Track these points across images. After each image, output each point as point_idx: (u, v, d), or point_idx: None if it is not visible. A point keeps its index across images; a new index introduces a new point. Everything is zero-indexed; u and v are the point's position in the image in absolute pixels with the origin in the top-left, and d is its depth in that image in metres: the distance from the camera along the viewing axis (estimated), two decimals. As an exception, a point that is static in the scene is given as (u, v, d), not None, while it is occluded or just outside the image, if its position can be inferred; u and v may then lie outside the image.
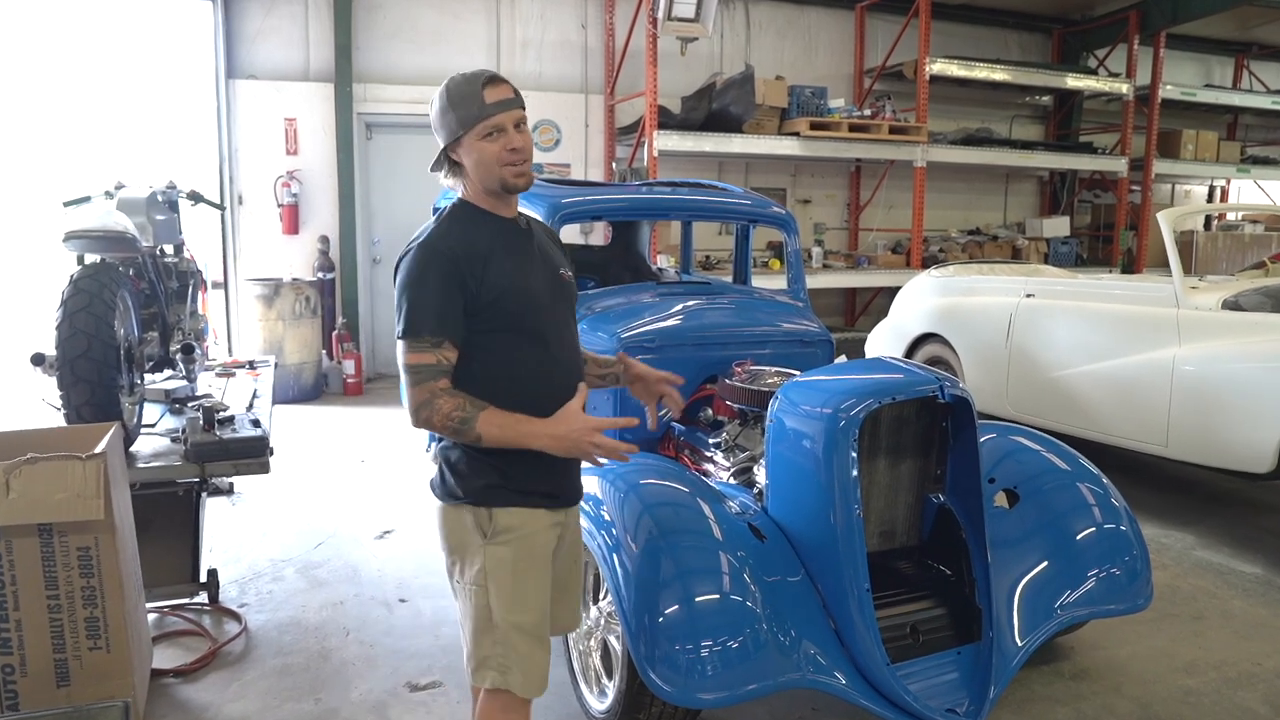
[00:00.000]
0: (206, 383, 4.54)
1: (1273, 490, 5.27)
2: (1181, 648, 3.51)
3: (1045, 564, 3.09)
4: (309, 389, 7.66)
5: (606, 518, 2.74)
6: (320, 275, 8.13)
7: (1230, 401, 4.33)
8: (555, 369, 2.11)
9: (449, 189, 2.14)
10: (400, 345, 1.98)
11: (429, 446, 5.62)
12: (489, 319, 2.00)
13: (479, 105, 1.98)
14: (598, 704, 2.86)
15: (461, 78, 2.03)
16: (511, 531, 2.04)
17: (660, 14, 7.54)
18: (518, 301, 2.03)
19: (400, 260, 2.03)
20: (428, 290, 1.97)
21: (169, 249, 4.51)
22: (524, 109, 2.04)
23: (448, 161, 2.08)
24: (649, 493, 2.81)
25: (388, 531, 4.62)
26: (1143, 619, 3.66)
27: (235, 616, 3.61)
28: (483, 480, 2.03)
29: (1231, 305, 4.62)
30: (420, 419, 1.96)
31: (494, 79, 2.02)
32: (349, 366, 7.92)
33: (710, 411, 3.72)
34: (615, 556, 2.62)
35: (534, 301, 2.07)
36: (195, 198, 4.62)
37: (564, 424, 1.97)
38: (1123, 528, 3.19)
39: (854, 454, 2.70)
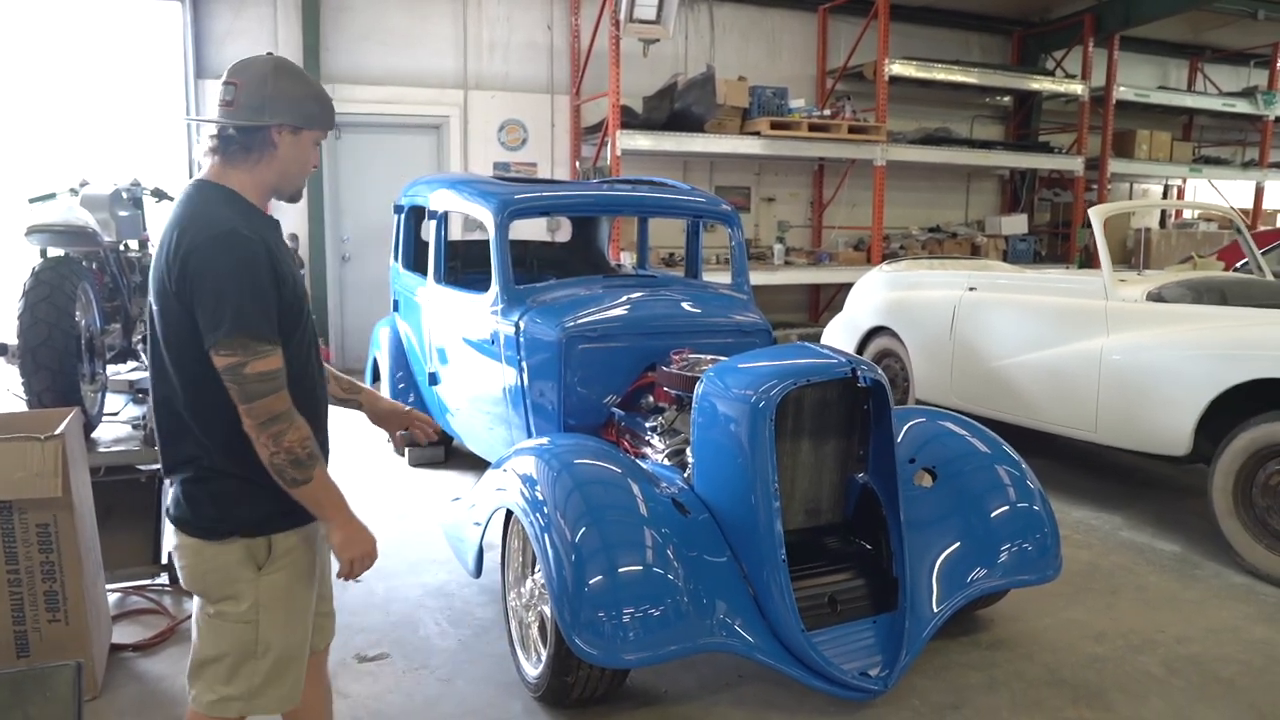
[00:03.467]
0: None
1: (1201, 474, 5.50)
2: (1094, 619, 3.72)
3: (961, 539, 3.29)
4: (278, 384, 7.77)
5: (540, 497, 2.92)
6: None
7: (1151, 388, 4.55)
8: (319, 375, 2.06)
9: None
10: (231, 349, 1.74)
11: (390, 436, 5.77)
12: (284, 326, 1.86)
13: (332, 117, 2.00)
14: (533, 670, 3.03)
15: (317, 82, 2.02)
16: (290, 554, 1.95)
17: (622, 16, 7.72)
18: (301, 303, 1.93)
19: (197, 247, 1.77)
20: (256, 284, 1.77)
21: (133, 244, 4.64)
22: None
23: (253, 137, 1.89)
24: (580, 472, 2.99)
25: (347, 518, 4.76)
26: (1061, 593, 3.88)
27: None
28: (263, 509, 1.89)
29: (1155, 297, 4.85)
30: (269, 432, 1.77)
31: None
32: (318, 362, 8.03)
33: (650, 398, 3.90)
34: (546, 536, 2.78)
35: (307, 305, 1.98)
36: (159, 195, 4.76)
37: (363, 528, 1.95)
38: (1035, 507, 3.39)
39: (771, 432, 2.88)
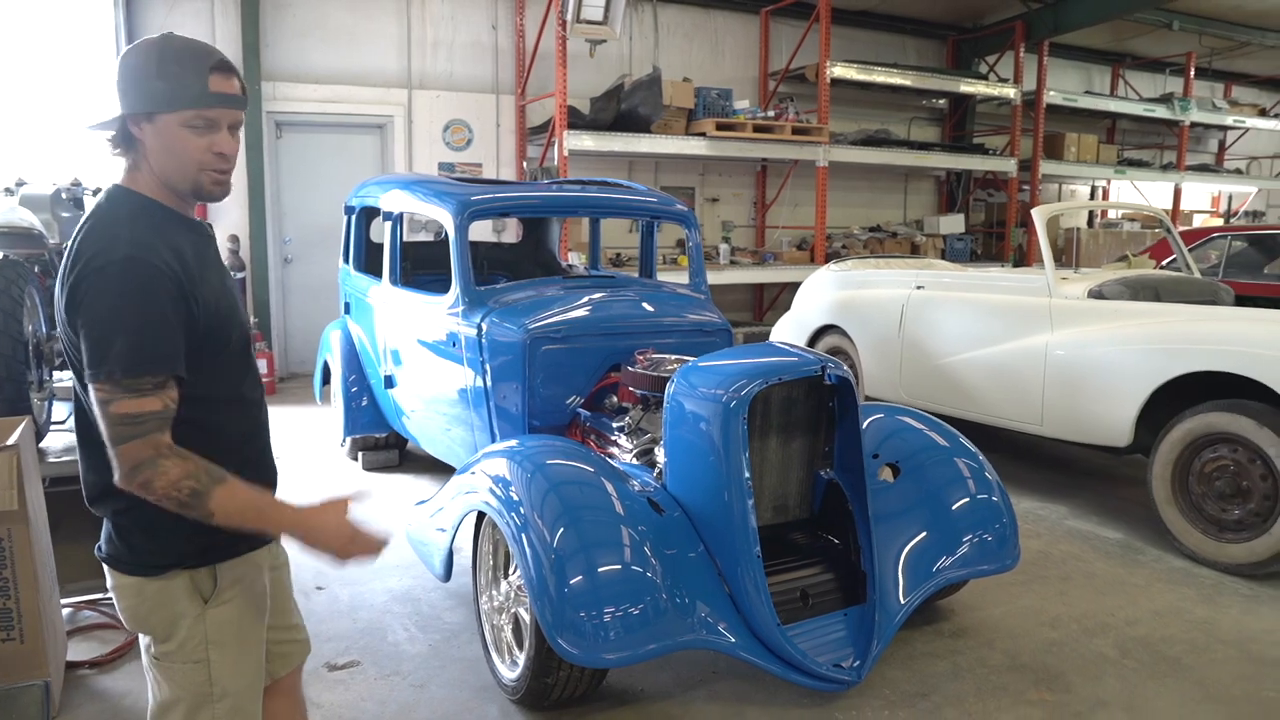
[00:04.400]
0: (114, 381, 4.52)
1: (1136, 464, 5.74)
2: (1048, 605, 3.85)
3: (925, 531, 3.37)
4: (219, 389, 7.57)
5: (515, 497, 2.91)
6: (231, 274, 8.03)
7: (1094, 382, 4.72)
8: (256, 394, 1.87)
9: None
10: (105, 388, 1.55)
11: (344, 440, 5.69)
12: (202, 351, 1.68)
13: (199, 89, 1.63)
14: (509, 673, 3.02)
15: (183, 44, 1.66)
16: (238, 584, 1.78)
17: (569, 16, 7.71)
18: (226, 322, 1.74)
19: (88, 275, 1.57)
20: (145, 315, 1.57)
21: (73, 247, 4.48)
22: (244, 112, 1.75)
23: (119, 134, 1.67)
24: (554, 472, 2.98)
25: (303, 525, 4.67)
26: (1016, 582, 4.00)
27: (150, 609, 3.64)
28: (203, 536, 1.68)
29: (1096, 294, 5.03)
30: (136, 481, 1.56)
31: (225, 65, 1.68)
32: (261, 365, 7.85)
33: (615, 398, 3.91)
34: (524, 535, 2.77)
35: (237, 319, 1.79)
36: (101, 195, 4.59)
37: (325, 513, 1.70)
38: (994, 498, 3.50)
39: (744, 430, 2.92)
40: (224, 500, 1.59)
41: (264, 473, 1.87)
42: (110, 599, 3.62)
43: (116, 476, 1.58)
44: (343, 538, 1.70)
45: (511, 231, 8.79)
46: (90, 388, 1.57)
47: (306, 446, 6.23)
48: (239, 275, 8.12)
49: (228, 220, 8.15)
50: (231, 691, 1.78)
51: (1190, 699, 3.11)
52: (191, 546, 1.70)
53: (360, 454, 5.67)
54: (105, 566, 1.77)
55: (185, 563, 1.72)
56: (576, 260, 7.50)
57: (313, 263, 8.60)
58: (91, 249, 1.59)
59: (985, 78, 11.68)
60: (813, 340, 6.88)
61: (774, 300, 10.79)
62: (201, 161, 1.67)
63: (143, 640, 1.79)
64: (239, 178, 8.11)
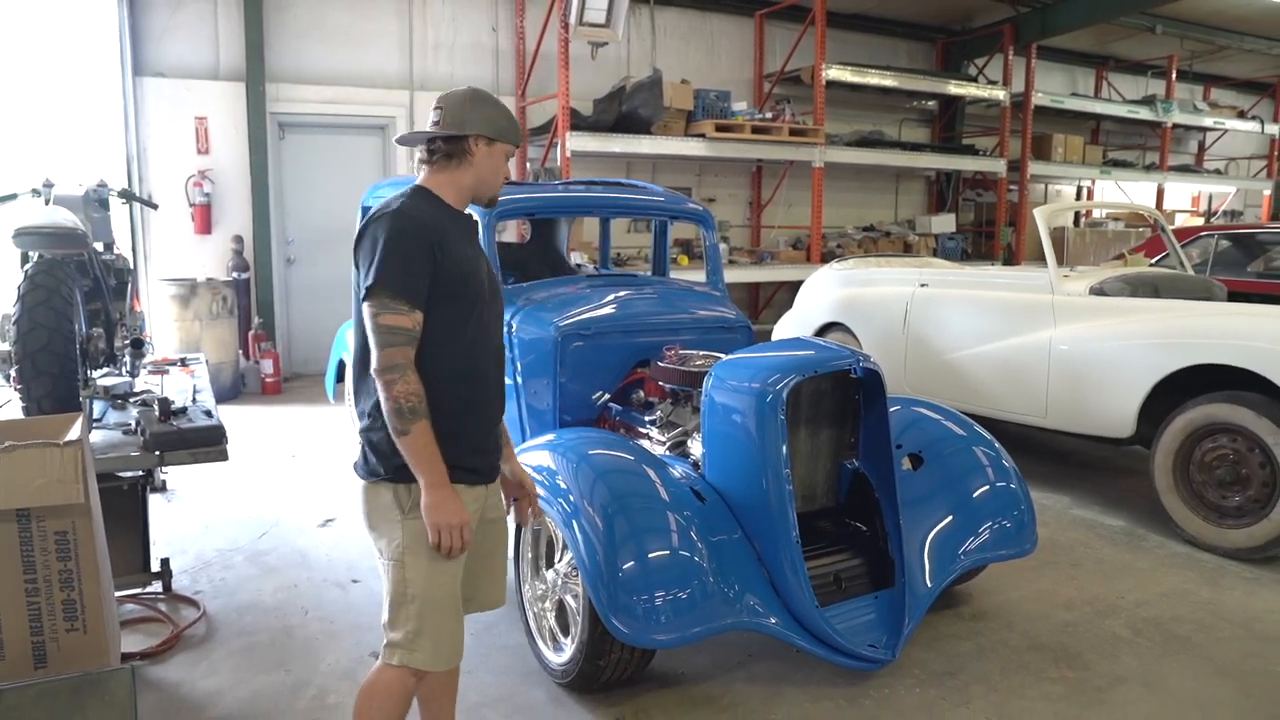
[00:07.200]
0: (141, 380, 4.58)
1: (1134, 455, 5.91)
2: (1061, 589, 3.99)
3: (948, 518, 3.50)
4: (227, 389, 7.61)
5: (562, 485, 3.01)
6: (235, 275, 8.08)
7: (1098, 376, 4.88)
8: (488, 353, 2.29)
9: (410, 176, 2.31)
10: (374, 302, 2.07)
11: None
12: (442, 295, 2.15)
13: (520, 135, 2.37)
14: (556, 658, 3.12)
15: (505, 106, 2.37)
16: None
17: (572, 18, 7.81)
18: (468, 284, 2.21)
19: (369, 225, 2.14)
20: (409, 256, 2.09)
21: (99, 246, 4.53)
22: None
23: (455, 145, 2.24)
24: (600, 462, 3.09)
25: (330, 519, 4.75)
26: (1029, 567, 4.15)
27: (193, 603, 3.72)
28: (401, 459, 2.12)
29: (1097, 291, 5.20)
30: (385, 378, 2.05)
31: None
32: (267, 366, 7.90)
33: (642, 393, 4.02)
34: (575, 522, 2.88)
35: (480, 288, 2.25)
36: (127, 196, 4.65)
37: (453, 501, 2.10)
38: (1012, 485, 3.64)
39: (782, 422, 3.04)
40: (421, 430, 2.07)
41: (486, 437, 2.32)
42: (150, 594, 3.70)
43: (373, 366, 2.09)
44: (450, 523, 2.11)
45: (511, 231, 8.86)
46: (364, 306, 2.09)
47: (321, 444, 6.29)
48: (243, 276, 8.16)
49: (231, 221, 8.19)
50: (421, 596, 2.16)
51: (1203, 674, 3.26)
52: (396, 464, 2.13)
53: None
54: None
55: (387, 475, 2.18)
56: (581, 259, 7.58)
57: (315, 264, 8.64)
58: (375, 211, 2.18)
59: (975, 80, 11.89)
60: (817, 337, 7.02)
61: (770, 299, 10.93)
62: (500, 182, 2.35)
63: (373, 541, 2.26)
64: (242, 179, 8.16)
